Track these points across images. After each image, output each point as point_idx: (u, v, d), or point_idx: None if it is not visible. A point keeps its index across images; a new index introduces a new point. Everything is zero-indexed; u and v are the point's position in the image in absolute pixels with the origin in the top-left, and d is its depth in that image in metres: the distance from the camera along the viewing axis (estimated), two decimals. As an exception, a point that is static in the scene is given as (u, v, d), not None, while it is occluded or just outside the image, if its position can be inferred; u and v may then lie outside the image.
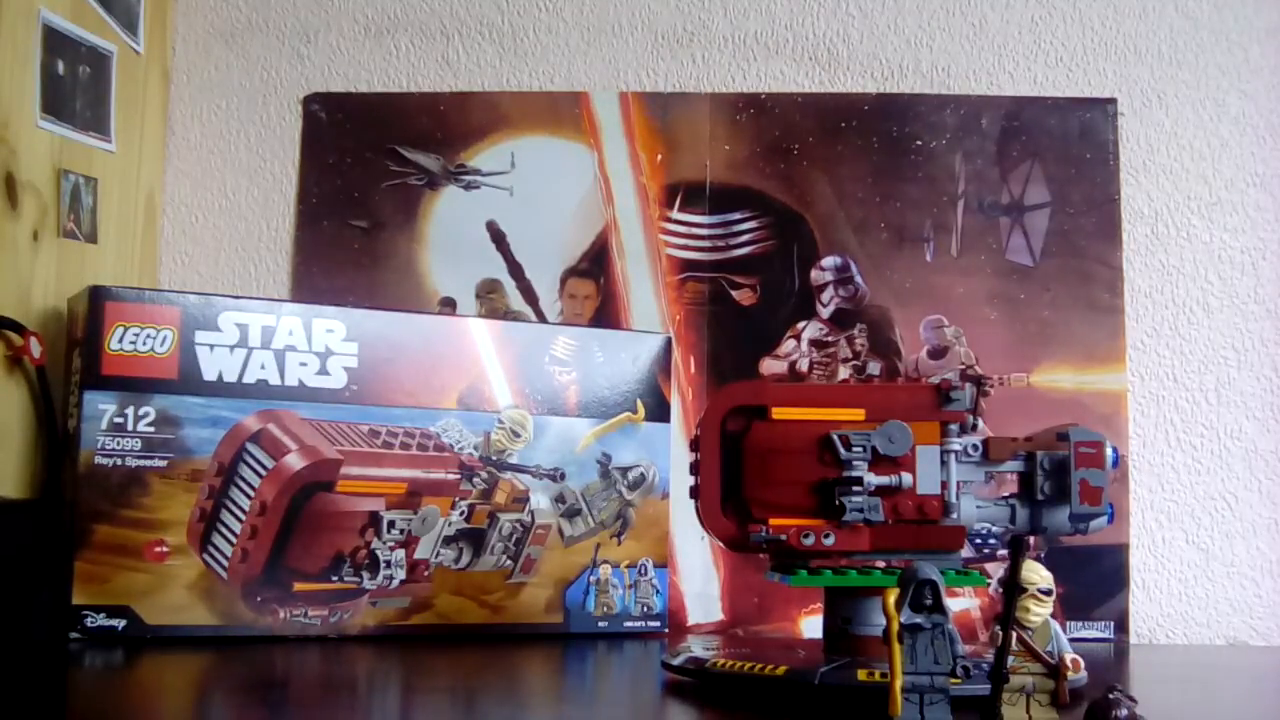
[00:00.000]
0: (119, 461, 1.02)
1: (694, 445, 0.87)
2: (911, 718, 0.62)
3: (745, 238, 1.32)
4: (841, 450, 0.82)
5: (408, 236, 1.33)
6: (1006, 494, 0.86)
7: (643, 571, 1.18)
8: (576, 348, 1.17)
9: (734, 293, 1.31)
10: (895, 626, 0.62)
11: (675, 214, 1.32)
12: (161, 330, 1.03)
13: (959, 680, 0.63)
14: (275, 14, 1.37)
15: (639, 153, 1.33)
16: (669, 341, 1.22)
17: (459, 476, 1.11)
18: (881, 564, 0.85)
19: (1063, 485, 0.82)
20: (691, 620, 1.26)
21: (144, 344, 1.03)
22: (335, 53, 1.36)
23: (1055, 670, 0.64)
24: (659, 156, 1.33)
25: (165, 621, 1.02)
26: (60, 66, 1.14)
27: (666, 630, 1.18)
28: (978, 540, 1.24)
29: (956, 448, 0.83)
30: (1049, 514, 0.83)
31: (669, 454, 1.19)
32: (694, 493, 0.86)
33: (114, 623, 1.00)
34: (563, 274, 1.32)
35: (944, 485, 0.83)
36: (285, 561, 1.06)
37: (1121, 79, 1.33)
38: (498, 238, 1.32)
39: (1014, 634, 0.62)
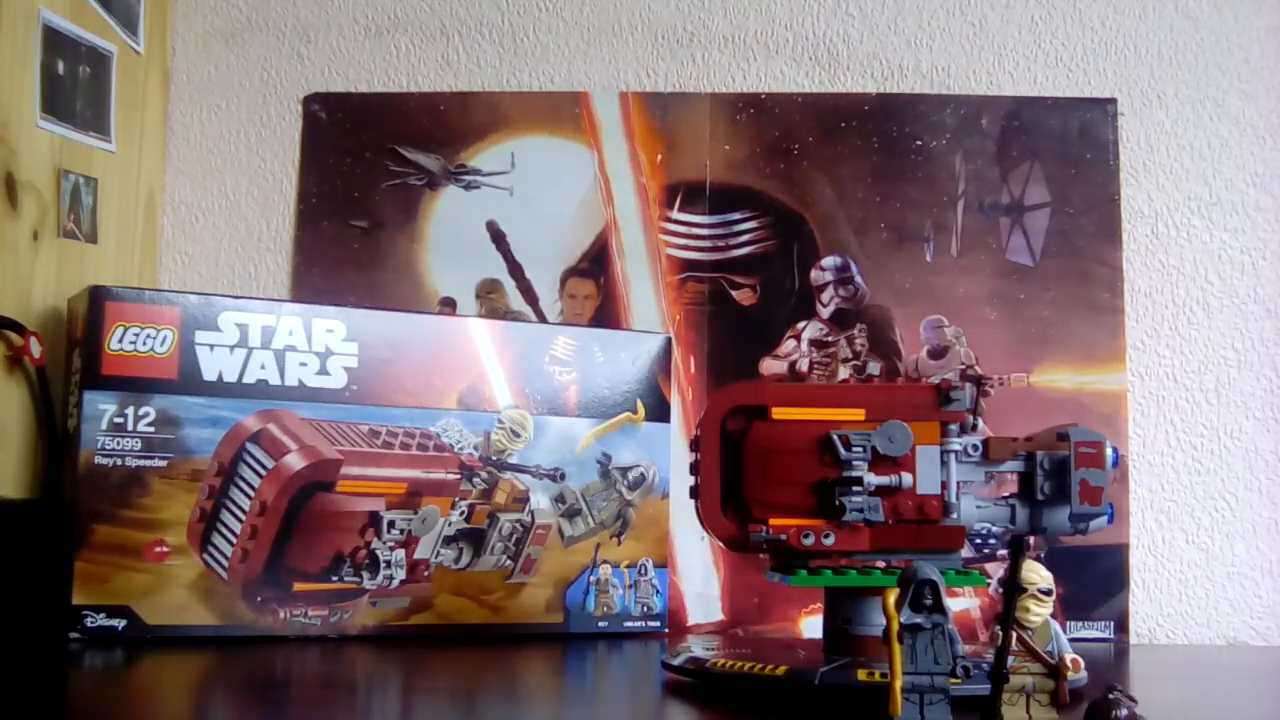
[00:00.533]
0: (119, 461, 1.02)
1: (694, 445, 0.87)
2: (911, 718, 0.62)
3: (745, 238, 1.32)
4: (841, 450, 0.82)
5: (408, 236, 1.33)
6: (1006, 494, 0.86)
7: (643, 571, 1.18)
8: (576, 348, 1.17)
9: (734, 293, 1.31)
10: (895, 626, 0.62)
11: (675, 214, 1.32)
12: (161, 330, 1.03)
13: (959, 680, 0.63)
14: (275, 14, 1.37)
15: (639, 153, 1.33)
16: (669, 341, 1.22)
17: (459, 476, 1.11)
18: (881, 564, 0.85)
19: (1063, 485, 0.82)
20: (691, 620, 1.26)
21: (144, 344, 1.03)
22: (335, 53, 1.36)
23: (1055, 670, 0.64)
24: (659, 156, 1.33)
25: (165, 621, 1.02)
26: (60, 66, 1.14)
27: (666, 630, 1.18)
28: (978, 540, 1.24)
29: (956, 448, 0.83)
30: (1049, 514, 0.83)
31: (669, 454, 1.19)
32: (694, 493, 0.86)
33: (114, 623, 1.00)
34: (563, 274, 1.32)
35: (944, 485, 0.83)
36: (285, 561, 1.06)
37: (1121, 79, 1.33)
38: (498, 238, 1.32)
39: (1014, 634, 0.62)
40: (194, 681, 0.88)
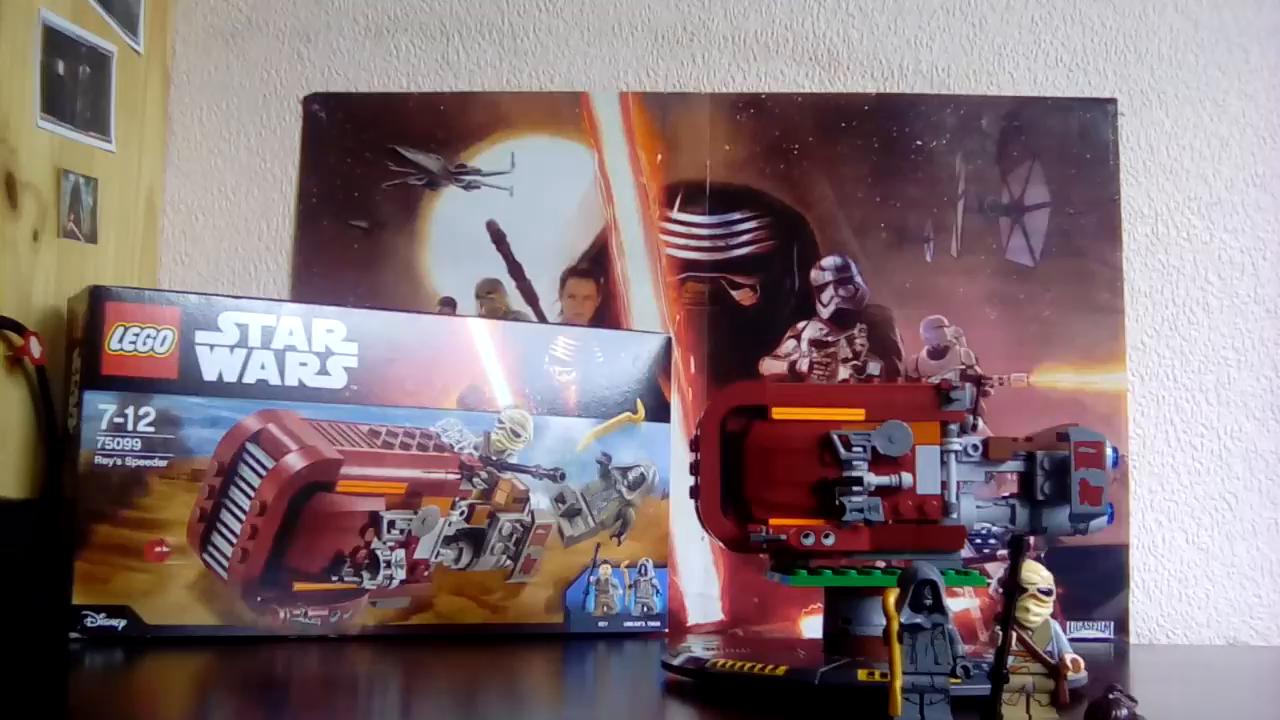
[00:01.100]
0: (119, 461, 1.02)
1: (694, 445, 0.87)
2: (911, 718, 0.62)
3: (745, 238, 1.32)
4: (841, 450, 0.82)
5: (408, 236, 1.33)
6: (1006, 494, 0.86)
7: (643, 571, 1.18)
8: (576, 348, 1.17)
9: (734, 293, 1.31)
10: (895, 626, 0.62)
11: (675, 214, 1.32)
12: (161, 330, 1.03)
13: (959, 680, 0.63)
14: (275, 14, 1.37)
15: (639, 153, 1.33)
16: (669, 341, 1.22)
17: (459, 476, 1.11)
18: (881, 564, 0.85)
19: (1063, 485, 0.82)
20: (691, 620, 1.26)
21: (144, 344, 1.03)
22: (335, 53, 1.36)
23: (1055, 670, 0.64)
24: (659, 156, 1.33)
25: (165, 621, 1.02)
26: (60, 66, 1.14)
27: (666, 630, 1.18)
28: (978, 540, 1.24)
29: (956, 448, 0.83)
30: (1049, 514, 0.83)
31: (669, 454, 1.19)
32: (694, 493, 0.86)
33: (114, 623, 1.00)
34: (563, 274, 1.32)
35: (944, 485, 0.83)
36: (285, 561, 1.06)
37: (1121, 79, 1.33)
38: (498, 238, 1.32)
39: (1014, 634, 0.62)
40: (194, 681, 0.88)
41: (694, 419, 1.23)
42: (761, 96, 1.34)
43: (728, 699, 0.80)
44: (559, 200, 1.33)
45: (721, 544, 0.87)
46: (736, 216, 1.32)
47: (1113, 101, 1.32)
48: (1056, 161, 1.31)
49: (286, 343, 1.07)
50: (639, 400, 1.18)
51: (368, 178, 1.34)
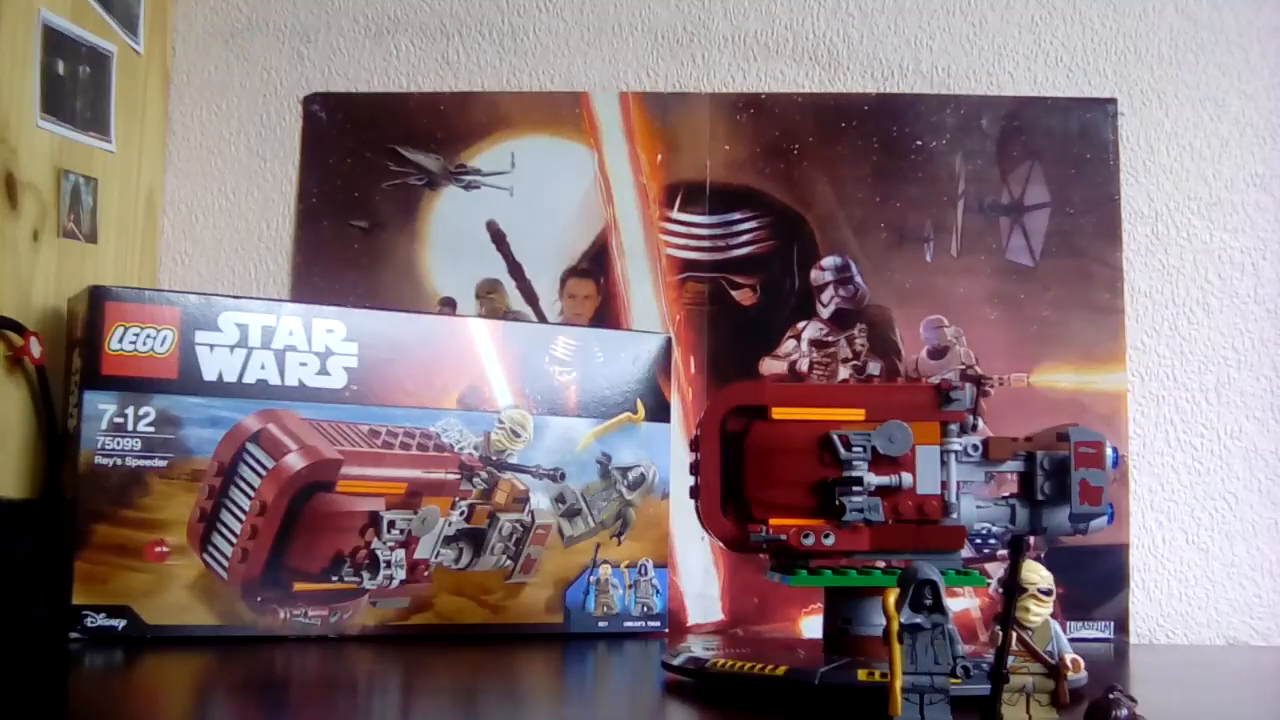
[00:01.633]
0: (119, 461, 1.02)
1: (694, 445, 0.87)
2: (911, 718, 0.62)
3: (745, 238, 1.32)
4: (841, 450, 0.82)
5: (408, 236, 1.33)
6: (1006, 494, 0.86)
7: (643, 571, 1.18)
8: (576, 348, 1.17)
9: (734, 293, 1.31)
10: (895, 626, 0.62)
11: (675, 214, 1.32)
12: (161, 330, 1.03)
13: (959, 680, 0.63)
14: (275, 14, 1.37)
15: (639, 153, 1.33)
16: (669, 341, 1.22)
17: (459, 476, 1.11)
18: (881, 564, 0.85)
19: (1063, 485, 0.82)
20: (691, 620, 1.26)
21: (144, 344, 1.03)
22: (335, 53, 1.36)
23: (1055, 670, 0.64)
24: (659, 156, 1.33)
25: (165, 621, 1.02)
26: (60, 66, 1.14)
27: (666, 630, 1.18)
28: (978, 540, 1.24)
29: (956, 448, 0.83)
30: (1049, 514, 0.83)
31: (669, 454, 1.19)
32: (694, 493, 0.86)
33: (114, 623, 1.00)
34: (563, 274, 1.32)
35: (944, 485, 0.83)
36: (285, 561, 1.06)
37: (1121, 79, 1.33)
38: (498, 238, 1.32)
39: (1014, 634, 0.62)
40: (194, 681, 0.88)
41: (694, 419, 1.23)
42: (761, 96, 1.34)
43: (728, 699, 0.80)
44: (559, 200, 1.33)
45: (721, 544, 0.87)
46: (736, 216, 1.32)
47: (1113, 101, 1.32)
48: (1056, 161, 1.31)
49: (286, 343, 1.07)
50: (639, 400, 1.18)
51: (368, 178, 1.34)
